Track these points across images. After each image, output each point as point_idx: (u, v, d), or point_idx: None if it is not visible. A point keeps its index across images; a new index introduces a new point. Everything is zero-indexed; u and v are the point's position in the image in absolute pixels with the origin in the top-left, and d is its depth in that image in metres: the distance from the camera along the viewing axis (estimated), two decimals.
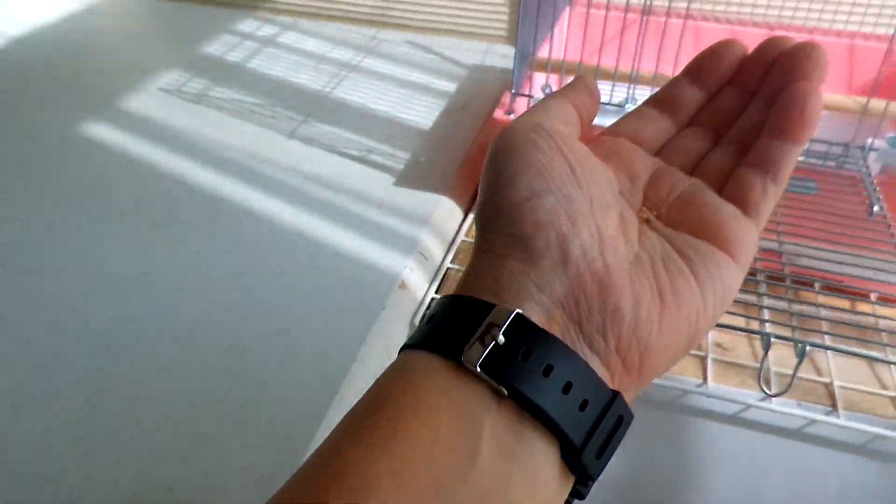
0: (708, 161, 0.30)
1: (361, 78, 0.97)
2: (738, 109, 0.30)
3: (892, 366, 0.57)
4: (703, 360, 0.57)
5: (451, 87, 0.95)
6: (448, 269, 0.66)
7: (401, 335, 0.59)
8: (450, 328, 0.23)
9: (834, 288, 0.62)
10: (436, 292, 0.63)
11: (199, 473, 0.45)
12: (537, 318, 0.24)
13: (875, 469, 0.55)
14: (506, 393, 0.22)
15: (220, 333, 0.55)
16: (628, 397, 0.24)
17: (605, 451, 0.23)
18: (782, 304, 0.58)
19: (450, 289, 0.64)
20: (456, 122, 0.87)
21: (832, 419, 0.52)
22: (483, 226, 0.26)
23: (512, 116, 0.68)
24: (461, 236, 0.71)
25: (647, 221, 0.28)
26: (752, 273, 0.61)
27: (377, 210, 0.71)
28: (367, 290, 0.60)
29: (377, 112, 0.89)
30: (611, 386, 0.24)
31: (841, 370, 0.56)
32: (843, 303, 0.63)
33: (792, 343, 0.52)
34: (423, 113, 0.89)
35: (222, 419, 0.48)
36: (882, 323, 0.58)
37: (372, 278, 0.62)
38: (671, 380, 0.55)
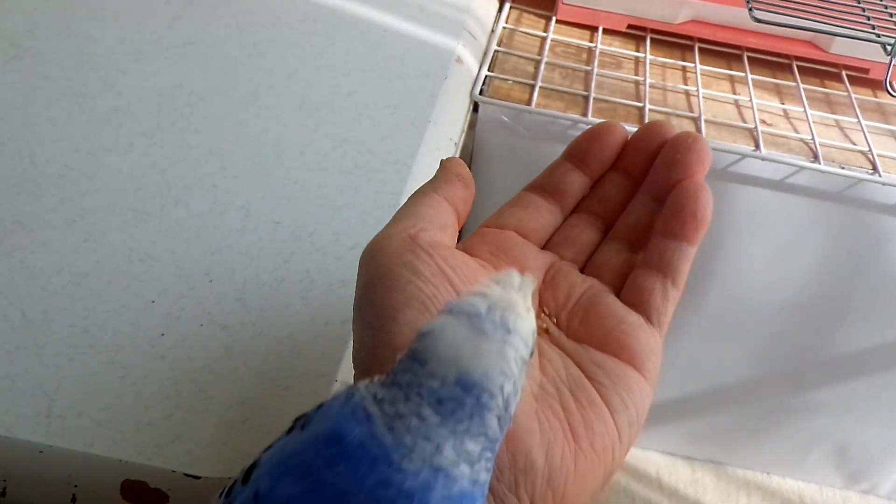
0: (601, 257, 0.29)
1: None
2: (623, 198, 0.30)
3: None
4: (752, 131, 0.59)
5: None
6: (496, 51, 0.66)
7: (462, 103, 0.59)
8: None
9: None
10: (489, 70, 0.63)
11: None
12: None
13: None
14: None
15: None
16: None
17: None
18: None
19: (501, 69, 0.64)
20: None
21: (875, 177, 0.56)
22: (362, 373, 0.22)
23: None
24: (501, 23, 0.70)
25: (547, 332, 0.26)
26: None
27: None
28: (425, 64, 0.59)
29: None
30: None
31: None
32: None
33: None
34: None
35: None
36: None
37: (428, 54, 0.61)
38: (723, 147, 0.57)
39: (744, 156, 0.57)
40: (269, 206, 0.44)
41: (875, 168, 0.57)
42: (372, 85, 0.56)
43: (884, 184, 0.57)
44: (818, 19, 0.39)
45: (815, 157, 0.57)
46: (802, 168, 0.57)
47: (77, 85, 0.53)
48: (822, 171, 0.57)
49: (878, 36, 0.38)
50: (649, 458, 0.87)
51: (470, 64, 0.62)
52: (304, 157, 0.48)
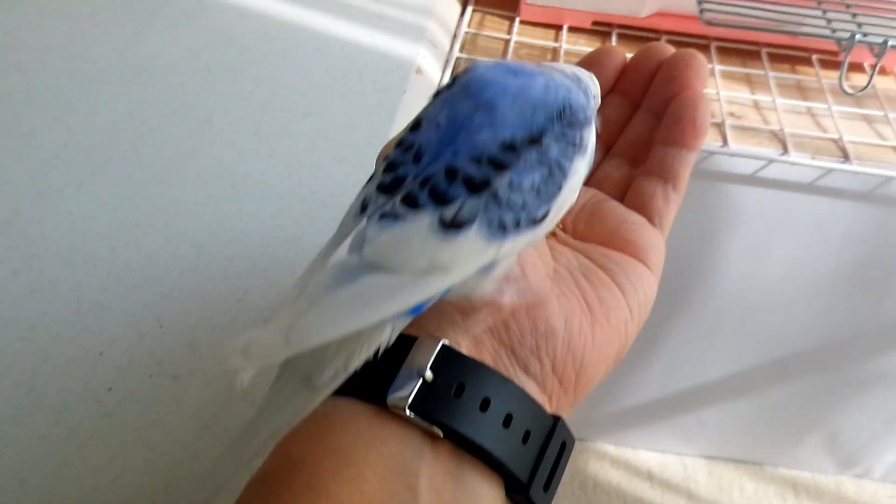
0: (601, 172, 0.30)
1: None
2: (623, 119, 0.30)
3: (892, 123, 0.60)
4: (720, 125, 0.58)
5: None
6: (458, 58, 0.64)
7: None
8: (370, 367, 0.20)
9: None
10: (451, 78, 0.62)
11: None
12: (465, 347, 0.22)
13: (876, 215, 0.59)
14: (441, 434, 0.20)
15: (243, 119, 0.53)
16: (565, 418, 0.23)
17: (551, 481, 0.22)
18: None
19: None
20: None
21: (846, 166, 0.55)
22: None
23: None
24: (464, 27, 0.68)
25: (554, 235, 0.27)
26: None
27: (375, 1, 0.67)
28: (384, 77, 0.58)
29: None
30: (549, 410, 0.22)
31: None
32: None
33: None
34: None
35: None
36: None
37: (387, 66, 0.59)
38: None
39: (711, 153, 0.56)
40: (223, 241, 0.43)
41: (846, 156, 0.56)
42: (329, 104, 0.55)
43: (855, 172, 0.56)
44: (772, 13, 0.37)
45: (785, 149, 0.56)
46: (772, 161, 0.56)
47: (25, 123, 0.51)
48: (792, 163, 0.56)
49: (834, 31, 0.37)
50: (640, 456, 0.86)
51: (431, 74, 0.61)
52: (258, 187, 0.47)
